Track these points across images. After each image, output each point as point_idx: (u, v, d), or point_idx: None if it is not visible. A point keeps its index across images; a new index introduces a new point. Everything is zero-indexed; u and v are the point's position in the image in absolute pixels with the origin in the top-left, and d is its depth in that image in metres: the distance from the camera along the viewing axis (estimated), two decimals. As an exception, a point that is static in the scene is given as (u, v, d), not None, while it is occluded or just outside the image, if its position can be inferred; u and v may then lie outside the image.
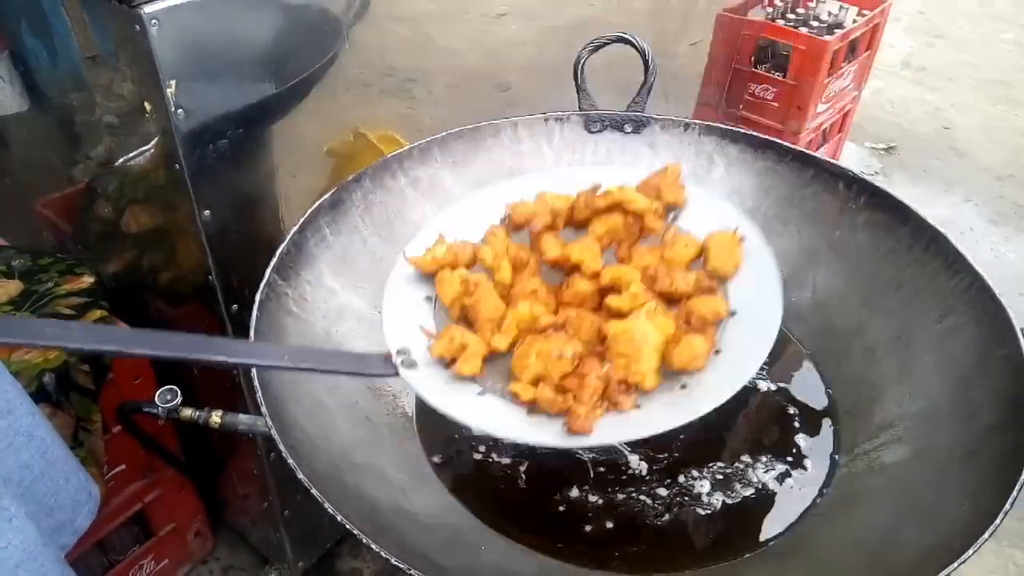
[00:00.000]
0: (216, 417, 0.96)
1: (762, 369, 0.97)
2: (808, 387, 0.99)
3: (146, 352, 0.66)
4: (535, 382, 0.71)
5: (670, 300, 0.77)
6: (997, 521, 0.67)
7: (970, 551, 0.65)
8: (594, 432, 0.68)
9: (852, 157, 3.17)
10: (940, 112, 3.60)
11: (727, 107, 2.42)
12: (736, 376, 0.71)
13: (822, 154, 1.24)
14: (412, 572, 0.60)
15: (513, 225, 0.84)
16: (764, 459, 0.92)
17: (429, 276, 0.82)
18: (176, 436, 1.45)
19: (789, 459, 0.91)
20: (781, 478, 0.89)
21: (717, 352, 0.73)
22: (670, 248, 0.80)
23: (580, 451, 0.89)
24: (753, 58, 2.31)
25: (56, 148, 1.32)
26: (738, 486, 0.88)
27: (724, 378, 0.71)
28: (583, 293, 0.77)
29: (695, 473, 0.90)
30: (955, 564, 0.64)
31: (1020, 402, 0.76)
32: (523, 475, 0.89)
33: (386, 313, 0.79)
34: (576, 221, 0.84)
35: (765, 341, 0.72)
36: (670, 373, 0.73)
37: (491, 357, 0.74)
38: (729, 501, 0.87)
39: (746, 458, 0.92)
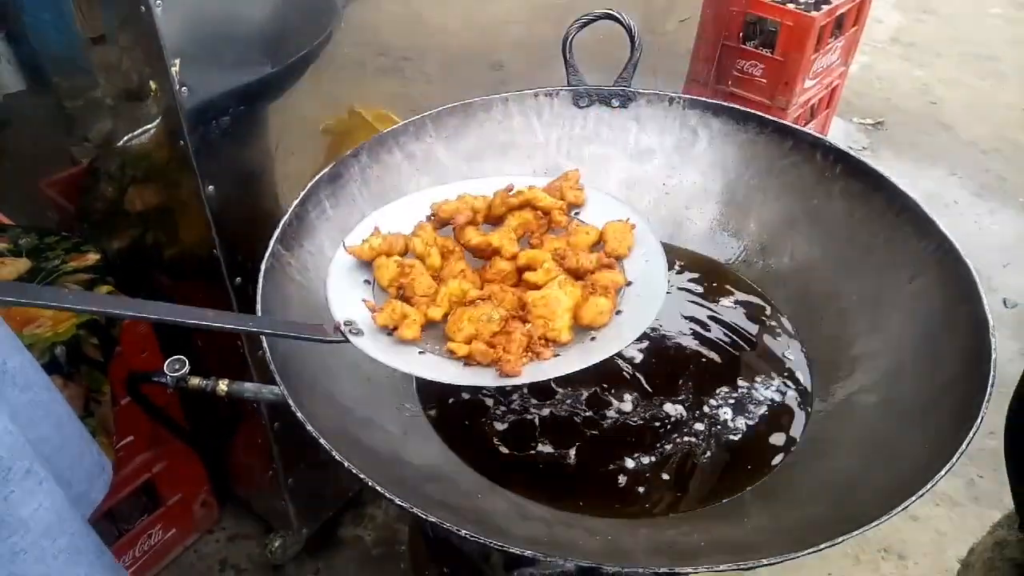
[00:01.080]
0: (223, 385, 1.01)
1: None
2: (786, 346, 1.05)
3: (135, 315, 0.76)
4: (468, 341, 0.83)
5: (577, 276, 0.90)
6: (953, 460, 0.72)
7: (927, 486, 0.70)
8: (523, 374, 0.80)
9: (840, 132, 3.21)
10: (928, 87, 3.64)
11: (716, 83, 2.46)
12: (635, 327, 0.84)
13: (810, 129, 1.28)
14: (415, 510, 0.65)
15: (438, 221, 0.95)
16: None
17: (366, 264, 0.92)
18: (181, 408, 1.50)
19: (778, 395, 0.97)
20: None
21: (619, 312, 0.87)
22: (574, 236, 0.95)
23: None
24: (741, 34, 2.35)
25: (57, 128, 1.35)
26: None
27: (625, 329, 0.85)
28: (504, 271, 0.91)
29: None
30: (912, 499, 0.69)
31: (979, 355, 0.81)
32: (538, 431, 0.95)
33: (330, 292, 0.88)
34: (493, 217, 0.97)
35: (656, 301, 0.86)
36: (581, 331, 0.86)
37: (427, 327, 0.86)
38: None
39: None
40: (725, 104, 1.14)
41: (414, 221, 0.97)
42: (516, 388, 0.99)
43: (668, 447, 0.93)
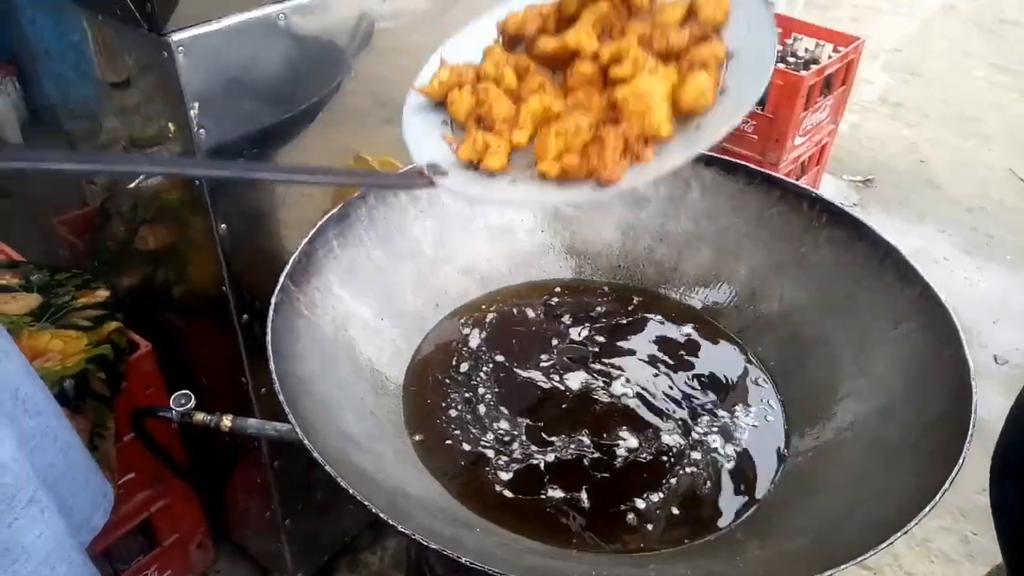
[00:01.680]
0: (227, 421, 1.04)
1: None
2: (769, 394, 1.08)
3: (182, 171, 0.70)
4: (560, 158, 0.75)
5: (670, 58, 0.78)
6: (937, 497, 0.75)
7: (913, 522, 0.73)
8: (623, 179, 0.72)
9: (831, 189, 3.29)
10: (915, 146, 3.74)
11: (709, 139, 2.52)
12: (743, 103, 0.74)
13: (806, 185, 1.33)
14: (422, 539, 0.67)
15: (508, 39, 0.86)
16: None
17: (439, 104, 0.84)
18: (183, 447, 1.52)
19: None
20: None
21: (723, 92, 0.76)
22: (660, 14, 0.81)
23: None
24: (733, 93, 2.43)
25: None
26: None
27: (732, 108, 0.74)
28: (587, 74, 0.79)
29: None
30: (899, 533, 0.72)
31: (961, 394, 0.85)
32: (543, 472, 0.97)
33: (408, 136, 0.82)
34: (565, 19, 0.85)
35: (763, 73, 0.75)
36: (684, 120, 0.76)
37: (514, 153, 0.78)
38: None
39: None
40: (716, 155, 1.19)
41: (483, 48, 0.86)
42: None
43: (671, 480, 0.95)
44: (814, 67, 2.38)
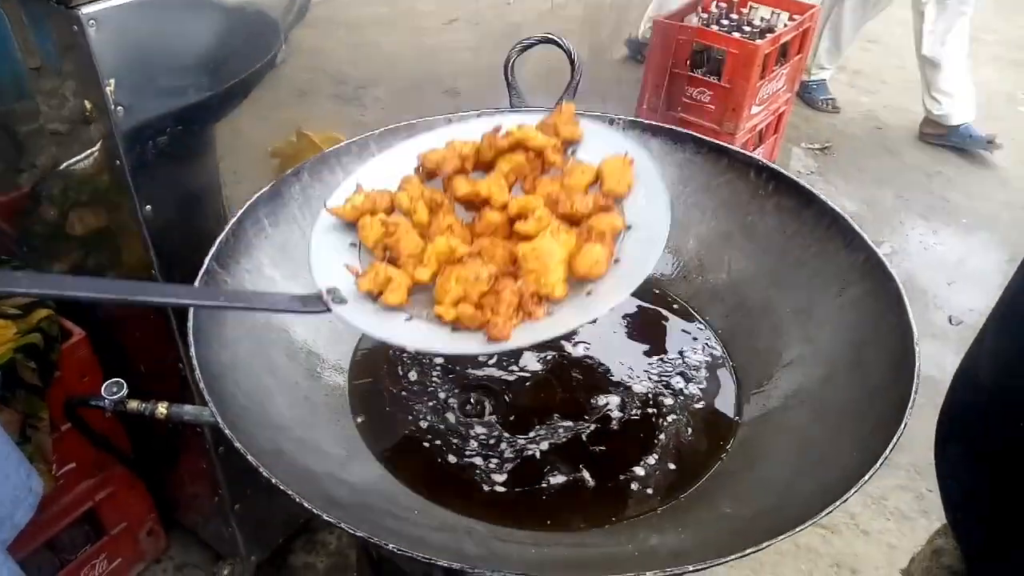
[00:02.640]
0: (162, 408, 1.00)
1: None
2: (718, 360, 1.07)
3: (87, 295, 0.69)
4: (456, 304, 0.77)
5: (572, 221, 0.83)
6: (878, 464, 0.74)
7: (851, 491, 0.72)
8: (512, 338, 0.75)
9: (790, 158, 3.29)
10: (873, 113, 3.75)
11: (666, 110, 2.51)
12: (633, 278, 0.78)
13: (759, 154, 1.31)
14: (348, 527, 0.65)
15: (426, 172, 0.90)
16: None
17: (351, 225, 0.87)
18: (127, 435, 1.48)
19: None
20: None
21: (617, 261, 0.81)
22: (569, 176, 0.87)
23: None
24: (689, 62, 2.41)
25: (1, 156, 1.34)
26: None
27: (623, 281, 0.78)
28: (494, 223, 0.84)
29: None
30: (837, 503, 0.71)
31: (904, 363, 0.84)
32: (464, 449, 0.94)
33: (313, 258, 0.83)
34: (483, 163, 0.91)
35: (657, 247, 0.80)
36: (577, 284, 0.80)
37: (415, 289, 0.81)
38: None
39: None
40: (663, 125, 1.17)
41: (401, 174, 0.90)
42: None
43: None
44: (769, 35, 2.36)
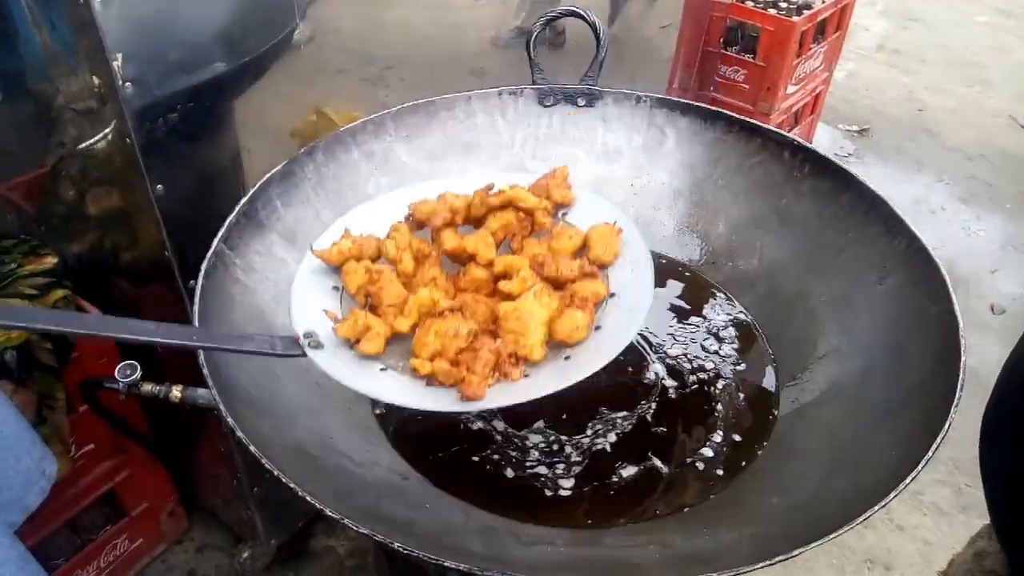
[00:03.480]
0: (176, 392, 0.97)
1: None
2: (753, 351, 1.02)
3: (58, 329, 0.70)
4: (433, 358, 0.77)
5: (556, 285, 0.84)
6: (921, 465, 0.69)
7: (892, 495, 0.67)
8: (486, 398, 0.74)
9: (825, 139, 3.20)
10: (913, 94, 3.63)
11: (698, 89, 2.43)
12: (612, 347, 0.77)
13: (795, 135, 1.25)
14: (351, 523, 0.62)
15: (415, 222, 0.91)
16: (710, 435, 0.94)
17: (336, 268, 0.87)
18: (145, 417, 1.47)
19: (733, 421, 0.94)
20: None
21: (598, 328, 0.81)
22: (557, 240, 0.89)
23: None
24: (723, 40, 2.33)
25: (28, 136, 1.32)
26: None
27: (602, 349, 0.78)
28: (478, 279, 0.85)
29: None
30: (877, 507, 0.66)
31: (948, 356, 0.79)
32: (474, 438, 0.91)
33: (294, 300, 0.83)
34: (473, 218, 0.92)
35: (638, 317, 0.80)
36: (556, 348, 0.80)
37: (393, 339, 0.81)
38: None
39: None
40: (692, 103, 1.11)
41: (391, 221, 0.92)
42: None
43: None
44: (807, 12, 2.27)
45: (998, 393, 0.85)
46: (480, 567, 0.59)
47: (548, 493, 0.85)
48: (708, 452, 0.89)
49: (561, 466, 0.87)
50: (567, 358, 0.79)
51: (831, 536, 0.64)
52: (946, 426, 0.72)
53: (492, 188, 0.93)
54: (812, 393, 0.91)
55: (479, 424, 0.92)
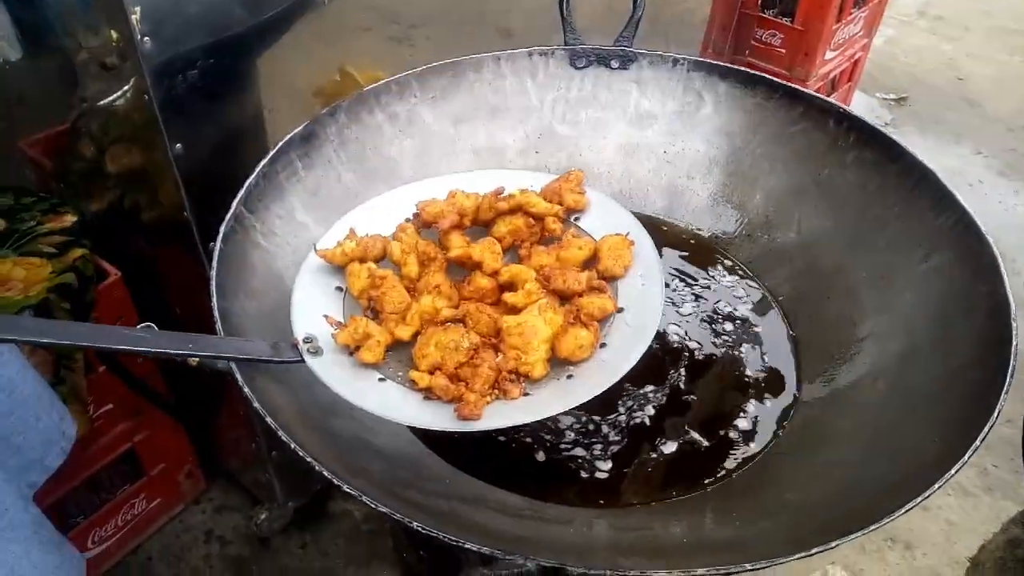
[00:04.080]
0: (194, 355, 0.96)
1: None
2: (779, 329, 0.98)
3: (48, 341, 0.67)
4: (432, 371, 0.76)
5: (563, 297, 0.82)
6: (966, 457, 0.65)
7: (936, 485, 0.64)
8: (483, 417, 0.72)
9: (862, 107, 3.10)
10: (954, 62, 3.51)
11: (733, 53, 2.36)
12: (616, 368, 0.75)
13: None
14: (369, 501, 0.60)
15: (422, 222, 0.89)
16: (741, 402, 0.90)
17: (340, 268, 0.86)
18: (163, 379, 1.46)
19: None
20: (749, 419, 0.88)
21: (603, 345, 0.79)
22: (566, 249, 0.87)
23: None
24: (760, 2, 2.25)
25: (49, 92, 1.30)
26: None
27: (606, 370, 0.76)
28: (483, 288, 0.83)
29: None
30: (919, 499, 0.63)
31: (996, 339, 0.75)
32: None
33: (295, 302, 0.82)
34: (482, 221, 0.91)
35: (645, 337, 0.77)
36: (559, 364, 0.78)
37: (394, 346, 0.80)
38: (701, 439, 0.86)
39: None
40: (732, 66, 1.06)
41: (399, 218, 0.91)
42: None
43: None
44: (849, -27, 2.18)
45: None
46: (503, 549, 0.57)
47: (584, 475, 0.82)
48: (739, 426, 0.87)
49: (599, 447, 0.84)
50: (570, 376, 0.77)
51: (870, 528, 0.61)
52: (996, 413, 0.68)
53: (502, 192, 0.91)
54: (849, 374, 0.87)
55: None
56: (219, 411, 1.53)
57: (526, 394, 0.75)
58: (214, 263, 0.77)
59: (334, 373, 0.76)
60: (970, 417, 0.69)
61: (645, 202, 1.11)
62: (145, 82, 0.92)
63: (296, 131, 0.93)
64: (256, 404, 0.65)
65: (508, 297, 0.81)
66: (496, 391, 0.74)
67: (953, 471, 0.64)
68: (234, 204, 0.83)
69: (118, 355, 0.65)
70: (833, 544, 0.59)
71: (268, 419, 0.64)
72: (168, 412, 1.45)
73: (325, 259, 0.86)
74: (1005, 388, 0.70)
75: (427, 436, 0.83)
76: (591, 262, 0.87)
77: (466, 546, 0.56)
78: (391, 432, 0.81)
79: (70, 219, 1.29)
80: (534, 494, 0.78)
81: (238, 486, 1.71)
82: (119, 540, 1.54)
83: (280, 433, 0.62)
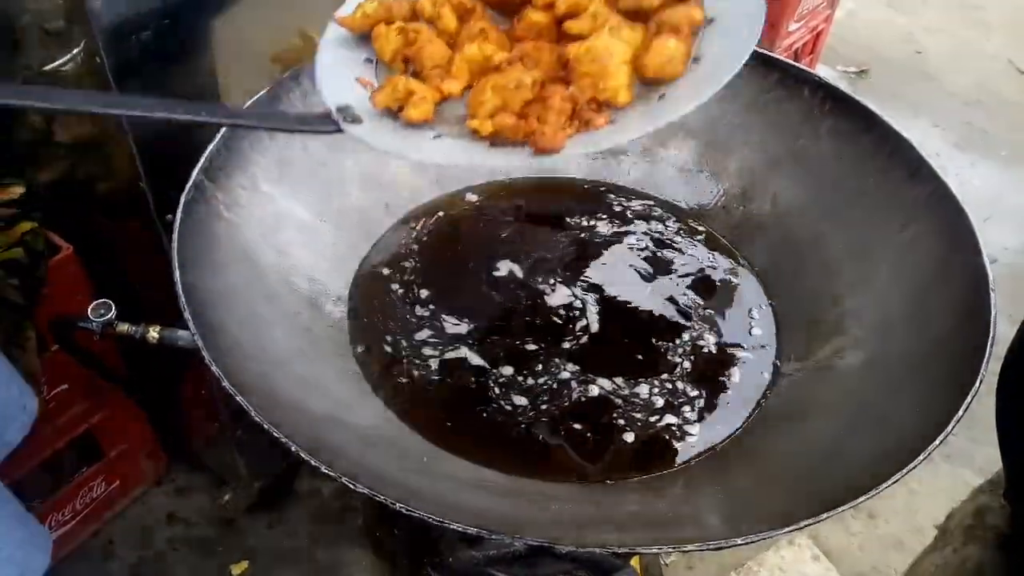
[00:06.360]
0: (154, 332, 0.92)
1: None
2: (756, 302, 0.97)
3: (46, 105, 0.61)
4: (494, 116, 0.65)
5: (637, 17, 0.68)
6: (949, 428, 0.66)
7: (920, 457, 0.64)
8: (565, 147, 0.63)
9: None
10: (912, 36, 3.54)
11: (697, 24, 2.34)
12: (716, 77, 0.63)
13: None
14: (348, 482, 0.57)
15: None
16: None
17: (365, 37, 0.74)
18: (121, 358, 1.41)
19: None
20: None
21: (696, 60, 0.66)
22: None
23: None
24: (725, -29, 2.23)
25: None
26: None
27: (703, 81, 0.64)
28: (538, 25, 0.69)
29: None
30: (903, 471, 0.63)
31: (975, 309, 0.75)
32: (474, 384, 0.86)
33: (319, 73, 0.71)
34: None
35: (747, 43, 0.64)
36: (648, 87, 0.66)
37: (443, 104, 0.68)
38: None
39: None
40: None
41: None
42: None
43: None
44: (814, -57, 2.17)
45: (1020, 340, 0.81)
46: (491, 528, 0.55)
47: (566, 451, 0.81)
48: (721, 399, 0.86)
49: (579, 423, 0.83)
50: (661, 97, 0.64)
51: (858, 501, 0.60)
52: (977, 384, 0.68)
53: None
54: (829, 346, 0.87)
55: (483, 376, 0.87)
56: (180, 391, 1.48)
57: (612, 122, 0.64)
58: (174, 235, 0.73)
59: (380, 136, 0.66)
60: (950, 388, 0.69)
61: (618, 173, 1.09)
62: (96, 44, 0.87)
63: (259, 95, 0.89)
64: (225, 383, 0.62)
65: (571, 25, 0.67)
66: (577, 123, 0.64)
67: (938, 441, 0.65)
68: (194, 173, 0.79)
69: (131, 119, 0.55)
70: (823, 517, 0.58)
71: (239, 398, 0.61)
72: (126, 390, 1.40)
73: (345, 27, 0.74)
74: (986, 359, 0.70)
75: (403, 410, 0.81)
76: None
77: (452, 527, 0.55)
78: (366, 408, 0.79)
79: (17, 191, 1.22)
80: (517, 471, 0.76)
81: (201, 466, 1.66)
82: (79, 524, 1.49)
83: (252, 413, 0.60)
